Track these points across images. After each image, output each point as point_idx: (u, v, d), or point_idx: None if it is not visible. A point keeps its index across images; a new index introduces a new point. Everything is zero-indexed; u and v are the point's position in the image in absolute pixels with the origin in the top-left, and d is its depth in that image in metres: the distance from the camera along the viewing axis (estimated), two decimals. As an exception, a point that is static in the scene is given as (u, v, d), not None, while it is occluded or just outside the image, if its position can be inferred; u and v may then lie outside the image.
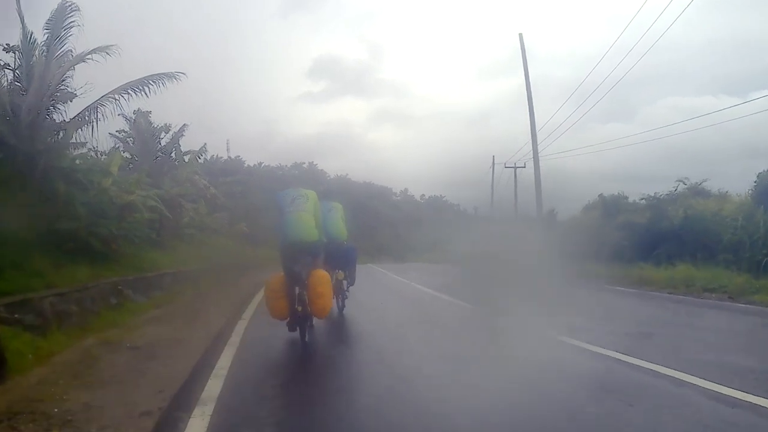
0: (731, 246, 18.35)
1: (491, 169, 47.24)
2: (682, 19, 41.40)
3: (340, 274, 11.11)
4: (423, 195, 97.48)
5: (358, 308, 12.27)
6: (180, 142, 22.74)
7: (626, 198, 26.84)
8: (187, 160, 22.87)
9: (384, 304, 14.71)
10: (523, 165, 40.93)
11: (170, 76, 14.74)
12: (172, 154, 22.03)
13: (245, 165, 70.39)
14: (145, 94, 14.44)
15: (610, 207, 25.72)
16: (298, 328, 8.08)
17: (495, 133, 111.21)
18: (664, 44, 35.63)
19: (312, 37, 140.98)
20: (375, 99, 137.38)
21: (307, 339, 8.11)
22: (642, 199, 26.09)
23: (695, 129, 29.01)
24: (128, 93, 14.33)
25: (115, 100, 14.26)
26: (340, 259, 10.85)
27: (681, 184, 26.40)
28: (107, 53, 14.05)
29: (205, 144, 23.54)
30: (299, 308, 7.89)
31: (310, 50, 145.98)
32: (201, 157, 23.43)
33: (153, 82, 14.56)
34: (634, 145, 42.19)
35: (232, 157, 67.64)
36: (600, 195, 26.34)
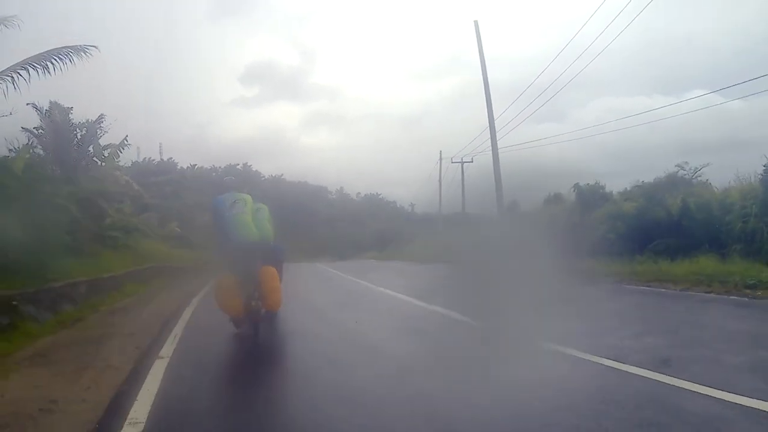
0: (745, 236, 16.34)
1: (438, 164, 46.31)
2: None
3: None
4: (359, 193, 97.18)
5: (324, 326, 10.07)
6: (99, 137, 19.98)
7: (603, 188, 24.64)
8: (106, 155, 20.03)
9: (360, 322, 10.47)
10: (470, 160, 39.44)
11: (78, 50, 12.22)
12: (90, 149, 19.16)
13: (178, 167, 68.67)
14: (47, 71, 11.82)
15: (587, 197, 23.55)
16: (252, 324, 8.28)
17: (430, 133, 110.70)
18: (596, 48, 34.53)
19: (244, 42, 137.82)
20: (309, 102, 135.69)
21: (260, 333, 8.23)
22: (636, 186, 24.26)
23: (629, 127, 27.99)
24: (26, 69, 11.70)
25: (11, 78, 11.64)
26: (267, 259, 9.77)
27: (680, 169, 24.65)
28: (4, 25, 11.59)
29: (127, 137, 20.70)
30: (254, 303, 8.11)
31: (243, 55, 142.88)
32: (122, 151, 20.58)
33: (58, 57, 11.99)
34: (569, 141, 41.07)
35: (165, 159, 65.51)
36: (575, 185, 23.71)
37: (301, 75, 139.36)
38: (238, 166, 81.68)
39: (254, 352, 7.65)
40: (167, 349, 7.66)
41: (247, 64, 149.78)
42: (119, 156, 20.66)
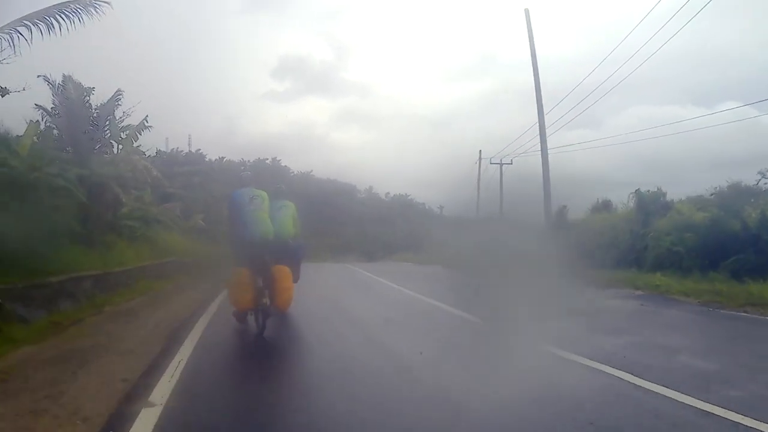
0: None
1: (477, 164, 43.11)
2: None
3: None
4: (388, 193, 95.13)
5: (378, 358, 7.15)
6: (120, 121, 18.11)
7: (664, 195, 21.38)
8: (124, 137, 18.18)
9: (426, 355, 7.23)
10: (509, 162, 37.33)
11: (87, 5, 10.39)
12: (106, 129, 17.29)
13: (206, 159, 67.22)
14: (51, 30, 10.04)
15: (647, 205, 20.67)
16: (255, 319, 8.31)
17: (461, 135, 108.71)
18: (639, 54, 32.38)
19: (277, 36, 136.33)
20: (340, 98, 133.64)
21: (265, 333, 8.07)
22: (712, 194, 21.50)
23: (660, 136, 26.15)
24: (27, 27, 9.92)
25: (9, 39, 9.88)
26: (285, 256, 9.67)
27: (762, 177, 21.13)
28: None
29: (147, 117, 18.72)
30: (264, 301, 8.11)
31: (275, 49, 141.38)
32: (141, 133, 18.59)
33: (63, 14, 10.18)
34: (602, 148, 38.77)
35: (194, 150, 64.10)
36: (636, 191, 21.11)
37: (333, 70, 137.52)
38: (267, 161, 79.83)
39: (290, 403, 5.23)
40: (163, 389, 5.45)
41: (280, 57, 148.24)
42: (138, 138, 18.67)
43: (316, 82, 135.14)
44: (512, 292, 8.62)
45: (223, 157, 73.45)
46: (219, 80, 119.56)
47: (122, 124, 17.89)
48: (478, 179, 41.27)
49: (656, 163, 40.23)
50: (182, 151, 58.54)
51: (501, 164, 37.77)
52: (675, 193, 22.84)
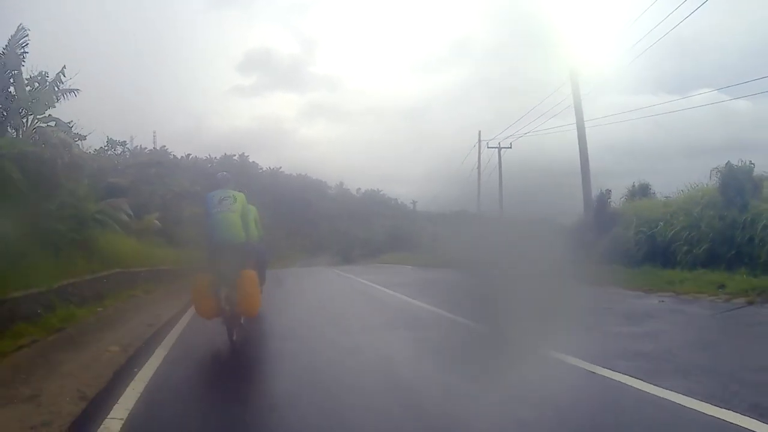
0: None
1: (476, 147, 37.43)
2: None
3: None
4: (359, 189, 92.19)
5: None
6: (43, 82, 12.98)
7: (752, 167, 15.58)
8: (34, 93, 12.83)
9: None
10: (508, 146, 32.78)
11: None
12: (11, 90, 12.09)
13: (171, 156, 62.61)
14: None
15: (743, 183, 14.84)
16: (227, 330, 7.80)
17: (433, 128, 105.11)
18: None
19: (242, 30, 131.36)
20: (308, 93, 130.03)
21: (234, 338, 7.72)
22: None
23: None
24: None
25: None
26: (249, 262, 8.68)
27: None
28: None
29: (65, 67, 13.78)
30: (227, 308, 7.73)
31: (241, 43, 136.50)
32: (60, 96, 13.40)
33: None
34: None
35: (158, 147, 59.25)
36: (727, 163, 15.53)
37: (301, 64, 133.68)
38: (234, 157, 76.99)
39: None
40: None
41: (246, 52, 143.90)
42: (57, 101, 13.53)
43: (283, 76, 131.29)
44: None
45: (189, 154, 70.17)
46: (184, 77, 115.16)
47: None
48: (479, 165, 36.21)
49: (631, 152, 36.94)
50: (146, 148, 54.29)
51: (499, 148, 33.19)
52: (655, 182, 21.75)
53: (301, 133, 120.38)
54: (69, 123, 15.21)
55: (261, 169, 79.02)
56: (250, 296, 7.81)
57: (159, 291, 15.47)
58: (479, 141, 35.68)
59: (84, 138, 19.34)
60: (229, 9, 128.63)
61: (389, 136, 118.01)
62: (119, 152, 28.32)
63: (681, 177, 20.21)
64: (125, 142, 28.30)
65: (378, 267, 34.33)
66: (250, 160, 77.77)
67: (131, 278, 15.77)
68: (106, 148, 27.80)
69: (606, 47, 32.25)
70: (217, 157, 75.65)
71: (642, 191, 21.42)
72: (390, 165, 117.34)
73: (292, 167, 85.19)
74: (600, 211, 19.10)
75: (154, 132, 60.44)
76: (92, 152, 25.69)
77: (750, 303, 10.42)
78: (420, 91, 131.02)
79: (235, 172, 60.62)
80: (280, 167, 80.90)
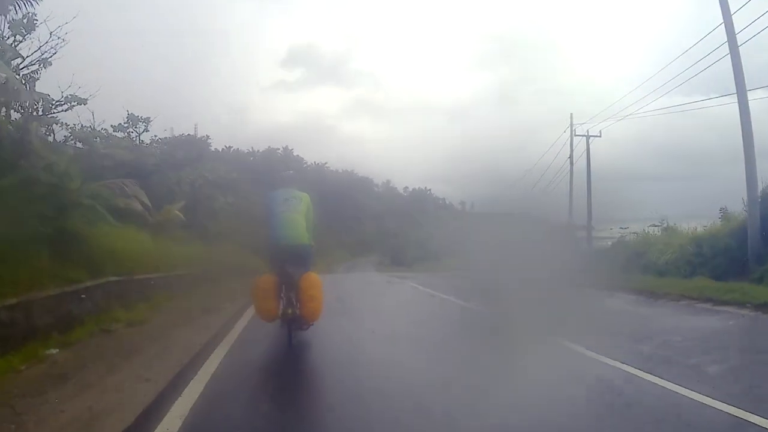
0: None
1: (569, 130, 31.02)
2: None
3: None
4: (406, 187, 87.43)
5: None
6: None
7: None
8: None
9: None
10: (597, 134, 27.57)
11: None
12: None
13: (212, 148, 58.21)
14: None
15: None
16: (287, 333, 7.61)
17: (479, 126, 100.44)
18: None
19: (286, 25, 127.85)
20: (352, 89, 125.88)
21: (293, 342, 7.53)
22: None
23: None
24: None
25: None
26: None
27: None
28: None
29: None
30: (289, 311, 7.48)
31: (285, 38, 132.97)
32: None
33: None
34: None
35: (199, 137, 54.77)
36: None
37: (345, 61, 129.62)
38: (278, 150, 71.77)
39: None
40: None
41: (289, 47, 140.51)
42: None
43: (326, 72, 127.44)
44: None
45: (230, 146, 65.49)
46: (227, 71, 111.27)
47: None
48: (571, 153, 30.45)
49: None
50: (185, 134, 49.55)
51: (588, 137, 27.90)
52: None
53: (346, 129, 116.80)
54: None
55: (306, 163, 74.08)
56: (313, 299, 7.55)
57: (164, 314, 10.58)
58: (571, 125, 29.89)
59: (84, 102, 14.70)
60: (271, 2, 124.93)
61: (436, 135, 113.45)
62: (141, 131, 23.42)
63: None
64: (149, 118, 23.22)
65: (428, 273, 29.29)
66: (295, 154, 72.64)
67: (131, 289, 11.05)
68: (125, 124, 23.01)
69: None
70: (260, 150, 70.61)
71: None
72: (436, 164, 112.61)
73: (337, 163, 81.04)
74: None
75: (196, 124, 55.45)
76: (109, 128, 21.10)
77: None
78: (465, 89, 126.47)
79: (280, 166, 57.12)
80: (326, 162, 76.16)
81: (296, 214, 7.76)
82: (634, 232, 22.04)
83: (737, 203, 16.71)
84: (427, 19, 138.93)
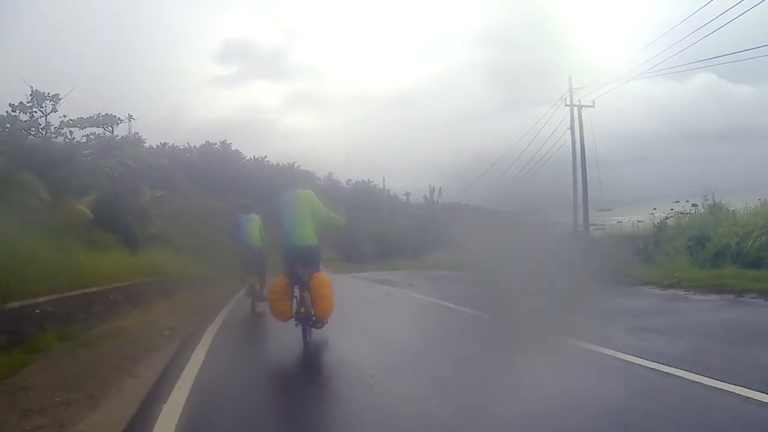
0: None
1: (565, 100, 26.63)
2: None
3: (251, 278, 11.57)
4: (349, 180, 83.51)
5: None
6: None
7: None
8: None
9: None
10: (590, 103, 24.35)
11: None
12: None
13: (146, 145, 53.44)
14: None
15: None
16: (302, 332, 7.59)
17: (423, 115, 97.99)
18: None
19: (220, 18, 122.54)
20: (290, 83, 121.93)
21: (309, 339, 7.55)
22: None
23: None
24: None
25: None
26: (253, 265, 11.34)
27: None
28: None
29: None
30: (302, 309, 7.57)
31: (220, 32, 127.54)
32: None
33: None
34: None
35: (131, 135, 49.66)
36: None
37: (282, 54, 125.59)
38: (215, 145, 67.71)
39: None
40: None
41: (225, 41, 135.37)
42: None
43: (264, 65, 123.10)
44: None
45: (165, 143, 60.98)
46: (160, 67, 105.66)
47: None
48: (572, 124, 26.20)
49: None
50: (117, 135, 44.37)
51: (580, 107, 24.59)
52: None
53: (286, 123, 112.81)
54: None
55: (245, 157, 70.31)
56: (324, 298, 7.61)
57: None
58: (570, 90, 25.82)
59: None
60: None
61: (378, 126, 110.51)
62: (48, 111, 18.38)
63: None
64: (58, 95, 18.08)
65: (397, 271, 25.40)
66: (233, 149, 68.63)
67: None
68: (28, 104, 17.98)
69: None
70: (197, 146, 66.58)
71: None
72: (380, 156, 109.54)
73: (278, 158, 76.89)
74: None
75: (129, 115, 49.78)
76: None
77: None
78: (408, 79, 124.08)
79: (218, 162, 52.91)
80: (266, 156, 72.06)
81: (303, 217, 7.87)
82: (668, 216, 17.86)
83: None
84: (365, 7, 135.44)
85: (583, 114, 25.27)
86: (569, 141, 25.72)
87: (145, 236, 17.69)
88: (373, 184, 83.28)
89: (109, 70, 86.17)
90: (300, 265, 7.61)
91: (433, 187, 52.68)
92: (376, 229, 48.47)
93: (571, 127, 25.39)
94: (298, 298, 7.68)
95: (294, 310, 7.60)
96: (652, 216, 18.40)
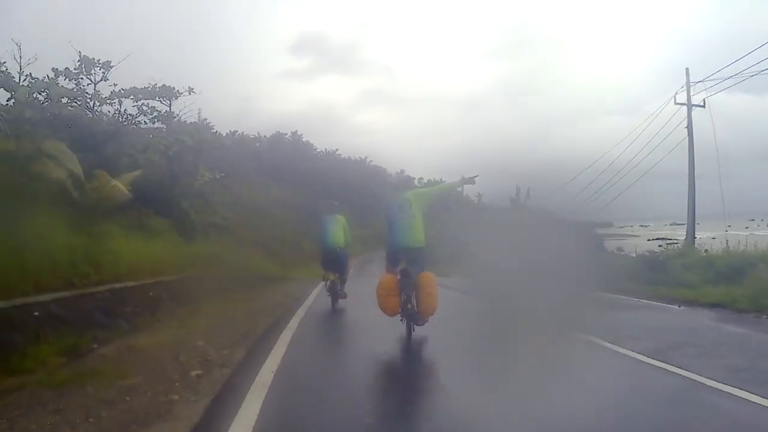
0: None
1: (684, 90, 22.62)
2: None
3: (333, 276, 11.67)
4: (421, 178, 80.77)
5: None
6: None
7: None
8: None
9: None
10: (701, 103, 20.99)
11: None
12: None
13: (213, 131, 52.01)
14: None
15: None
16: (407, 325, 7.96)
17: (492, 119, 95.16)
18: None
19: (295, 11, 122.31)
20: (363, 78, 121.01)
21: (414, 331, 7.86)
22: None
23: None
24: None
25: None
26: (336, 263, 11.58)
27: None
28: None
29: None
30: (408, 306, 7.86)
31: (294, 25, 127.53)
32: None
33: None
34: None
35: (201, 121, 48.18)
36: None
37: (355, 49, 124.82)
38: (286, 136, 66.44)
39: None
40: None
41: (299, 34, 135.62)
42: None
43: (337, 60, 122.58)
44: None
45: (235, 131, 59.23)
46: (234, 58, 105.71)
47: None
48: (689, 119, 22.59)
49: None
50: (185, 121, 42.76)
51: (689, 105, 21.20)
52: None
53: (357, 119, 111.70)
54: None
55: (316, 149, 69.43)
56: (429, 295, 7.86)
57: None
58: (687, 84, 22.26)
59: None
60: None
61: (450, 125, 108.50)
62: (98, 80, 16.35)
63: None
64: (109, 62, 15.96)
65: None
66: (304, 140, 67.10)
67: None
68: (75, 70, 15.96)
69: None
70: (267, 136, 65.54)
71: None
72: (450, 155, 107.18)
73: (348, 152, 75.11)
74: None
75: (199, 109, 47.72)
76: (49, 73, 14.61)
77: None
78: (482, 79, 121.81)
79: (289, 151, 51.24)
80: (337, 150, 70.55)
81: (412, 219, 8.09)
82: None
83: None
84: (439, 7, 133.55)
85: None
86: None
87: (204, 224, 15.56)
88: (445, 182, 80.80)
89: (182, 58, 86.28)
90: (409, 265, 7.94)
91: (519, 188, 47.91)
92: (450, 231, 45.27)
93: (688, 127, 21.92)
94: (404, 295, 7.88)
95: (401, 307, 7.88)
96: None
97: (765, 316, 9.98)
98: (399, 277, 7.99)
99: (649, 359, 6.26)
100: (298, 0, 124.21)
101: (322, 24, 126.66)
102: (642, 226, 46.28)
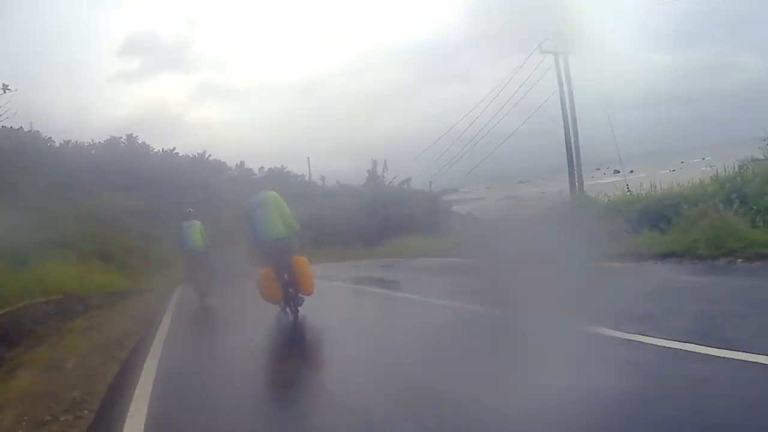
0: None
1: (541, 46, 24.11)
2: None
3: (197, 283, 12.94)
4: (261, 167, 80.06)
5: None
6: None
7: None
8: None
9: None
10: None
11: None
12: None
13: (48, 144, 48.50)
14: None
15: None
16: (291, 309, 8.82)
17: (332, 101, 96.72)
18: None
19: (120, 12, 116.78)
20: (197, 74, 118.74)
21: (299, 314, 8.72)
22: None
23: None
24: None
25: None
26: (200, 264, 12.89)
27: None
28: None
29: None
30: (290, 290, 8.73)
31: (119, 26, 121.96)
32: None
33: None
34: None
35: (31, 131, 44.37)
36: None
37: (186, 45, 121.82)
38: (121, 140, 63.01)
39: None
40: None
41: (126, 35, 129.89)
42: None
43: (167, 58, 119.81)
44: None
45: (69, 140, 56.47)
46: (60, 65, 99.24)
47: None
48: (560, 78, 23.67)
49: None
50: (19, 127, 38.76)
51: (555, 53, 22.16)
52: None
53: (194, 115, 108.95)
54: None
55: (153, 150, 65.54)
56: (307, 276, 8.74)
57: None
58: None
59: None
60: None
61: (285, 113, 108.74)
62: None
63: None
64: None
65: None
66: (140, 142, 64.20)
67: None
68: None
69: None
70: (101, 142, 61.81)
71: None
72: (289, 142, 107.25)
73: (188, 150, 73.04)
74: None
75: (31, 122, 43.50)
76: None
77: None
78: (314, 64, 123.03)
79: (126, 157, 49.05)
80: (174, 148, 68.02)
81: (273, 213, 8.86)
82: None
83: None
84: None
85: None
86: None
87: (38, 242, 14.44)
88: (286, 170, 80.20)
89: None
90: (282, 253, 8.61)
91: (376, 161, 42.92)
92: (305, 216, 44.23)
93: (558, 77, 22.81)
94: (281, 282, 8.66)
95: (284, 292, 8.69)
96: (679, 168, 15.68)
97: (740, 260, 9.32)
98: (274, 267, 8.56)
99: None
100: (119, 2, 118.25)
101: (148, 24, 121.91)
102: (487, 187, 46.13)
